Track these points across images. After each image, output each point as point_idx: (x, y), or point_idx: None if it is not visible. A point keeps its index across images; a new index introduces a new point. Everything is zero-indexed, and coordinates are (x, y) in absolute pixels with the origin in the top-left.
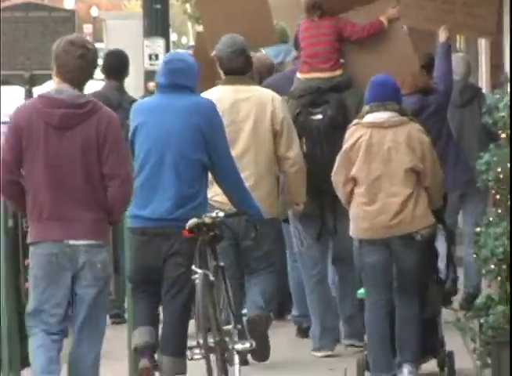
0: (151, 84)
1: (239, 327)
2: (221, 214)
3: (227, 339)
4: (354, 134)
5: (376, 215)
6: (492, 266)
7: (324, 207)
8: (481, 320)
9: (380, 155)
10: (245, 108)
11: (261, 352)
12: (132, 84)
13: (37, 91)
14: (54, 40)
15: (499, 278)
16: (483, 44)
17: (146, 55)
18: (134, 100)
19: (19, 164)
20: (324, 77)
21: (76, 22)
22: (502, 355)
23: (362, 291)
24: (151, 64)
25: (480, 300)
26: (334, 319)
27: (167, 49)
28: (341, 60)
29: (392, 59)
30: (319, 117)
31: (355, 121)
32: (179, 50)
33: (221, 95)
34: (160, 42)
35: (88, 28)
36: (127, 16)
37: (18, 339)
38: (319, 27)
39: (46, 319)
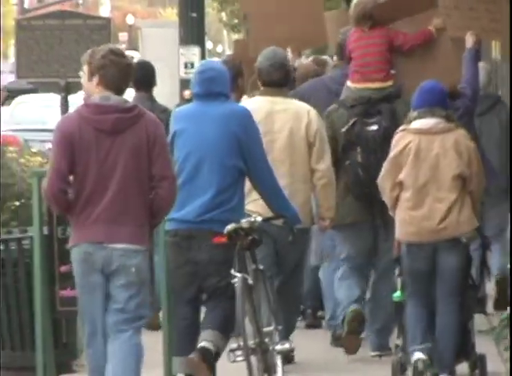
0: (186, 93)
1: (280, 328)
2: (259, 218)
3: (267, 340)
4: (402, 140)
5: (421, 220)
6: None
7: (375, 215)
8: None
9: (428, 161)
10: (281, 120)
11: None
12: (168, 92)
13: (72, 99)
14: (89, 48)
15: None
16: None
17: (181, 63)
18: (165, 109)
19: (70, 172)
20: (375, 88)
21: (111, 30)
22: None
23: (398, 294)
24: (186, 72)
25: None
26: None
27: (203, 57)
28: (392, 71)
29: (438, 69)
30: (375, 127)
31: (402, 127)
32: (215, 59)
33: (257, 105)
34: (195, 50)
35: (123, 36)
36: (162, 25)
37: (53, 346)
38: (369, 37)
39: (90, 319)
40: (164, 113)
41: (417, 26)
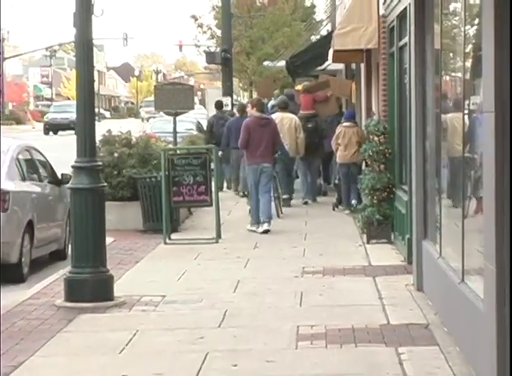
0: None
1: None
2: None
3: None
4: (339, 129)
5: (345, 156)
6: (367, 191)
7: (310, 156)
8: (362, 213)
9: (347, 137)
10: (286, 121)
11: None
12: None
13: (179, 118)
14: (186, 97)
15: (369, 196)
16: (363, 96)
17: (224, 104)
18: (230, 117)
19: (249, 141)
20: (309, 113)
21: (193, 91)
22: (369, 229)
23: (336, 181)
24: (225, 107)
25: (361, 205)
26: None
27: (232, 102)
28: (314, 106)
29: (328, 108)
30: (310, 125)
31: (339, 125)
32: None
33: (278, 115)
34: (228, 99)
35: (198, 94)
36: (216, 88)
37: (169, 219)
38: (307, 97)
39: (252, 184)
40: (228, 116)
41: (324, 93)
